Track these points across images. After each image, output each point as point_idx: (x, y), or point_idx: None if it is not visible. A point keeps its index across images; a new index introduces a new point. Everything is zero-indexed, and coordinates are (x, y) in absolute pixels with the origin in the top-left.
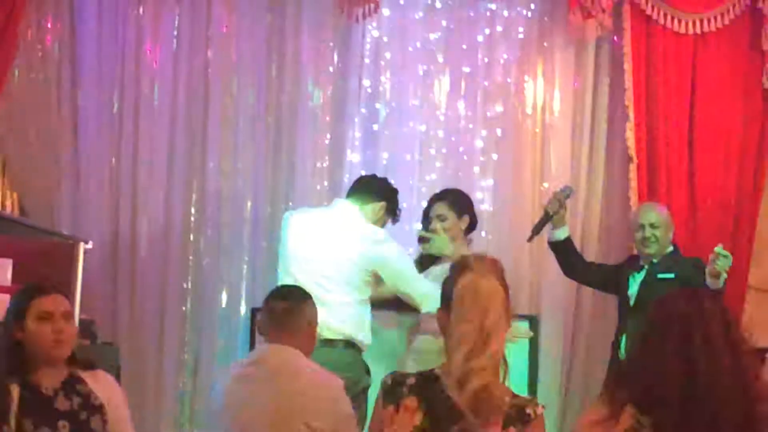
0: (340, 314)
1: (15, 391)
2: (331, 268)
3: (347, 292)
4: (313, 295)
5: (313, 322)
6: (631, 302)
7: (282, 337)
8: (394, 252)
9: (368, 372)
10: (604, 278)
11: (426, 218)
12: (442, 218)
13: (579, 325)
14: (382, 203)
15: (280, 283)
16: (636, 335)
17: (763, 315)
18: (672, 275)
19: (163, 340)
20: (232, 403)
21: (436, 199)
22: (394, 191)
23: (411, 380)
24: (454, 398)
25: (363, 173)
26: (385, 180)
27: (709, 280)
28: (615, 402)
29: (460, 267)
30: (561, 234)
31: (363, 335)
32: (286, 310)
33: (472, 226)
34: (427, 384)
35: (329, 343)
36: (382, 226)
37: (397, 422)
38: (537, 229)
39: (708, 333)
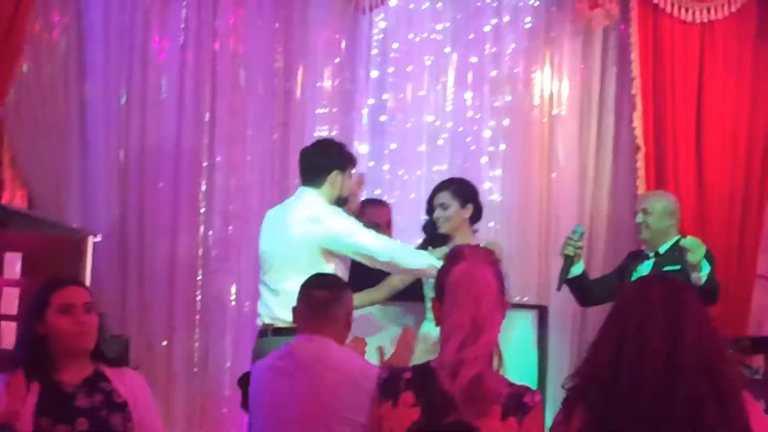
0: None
1: (35, 389)
2: (281, 257)
3: (298, 280)
4: (266, 287)
5: (350, 311)
6: None
7: (319, 326)
8: (336, 223)
9: None
10: (612, 287)
11: (430, 207)
12: (444, 207)
13: (587, 315)
14: (334, 172)
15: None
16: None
17: None
18: (678, 267)
19: (173, 332)
20: (267, 397)
21: (439, 188)
22: (333, 148)
23: (407, 375)
24: (448, 388)
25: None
26: (320, 147)
27: (692, 276)
28: (567, 404)
29: (453, 257)
30: (577, 269)
31: None
32: (325, 298)
33: (476, 215)
34: (422, 378)
35: (280, 332)
36: (349, 188)
37: (395, 418)
38: (564, 276)
39: (643, 322)
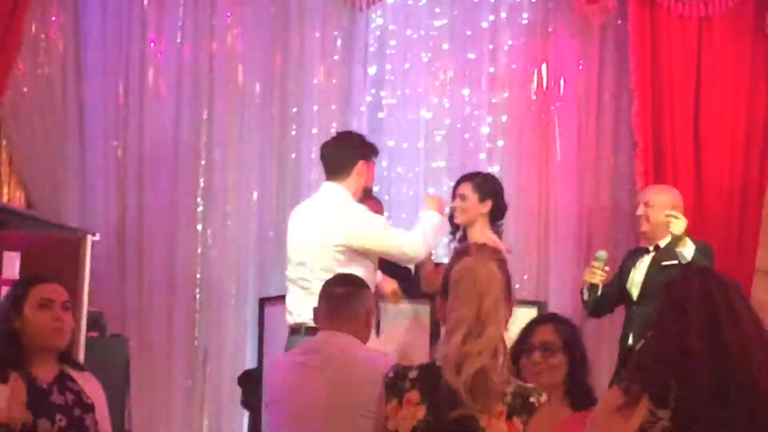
0: None
1: (17, 380)
2: (310, 256)
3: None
4: (297, 285)
5: (371, 310)
6: (636, 292)
7: (338, 322)
8: (359, 224)
9: None
10: (618, 291)
11: (453, 195)
12: (463, 197)
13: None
14: (358, 164)
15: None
16: (649, 324)
17: None
18: (676, 261)
19: (172, 332)
20: (287, 392)
21: (464, 178)
22: (356, 139)
23: (413, 373)
24: (453, 384)
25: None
26: (342, 140)
27: (676, 251)
28: (630, 393)
29: (459, 254)
30: (598, 291)
31: None
32: (344, 295)
33: (497, 212)
34: (428, 376)
35: (313, 330)
36: (373, 179)
37: (401, 417)
38: (591, 304)
39: (733, 307)
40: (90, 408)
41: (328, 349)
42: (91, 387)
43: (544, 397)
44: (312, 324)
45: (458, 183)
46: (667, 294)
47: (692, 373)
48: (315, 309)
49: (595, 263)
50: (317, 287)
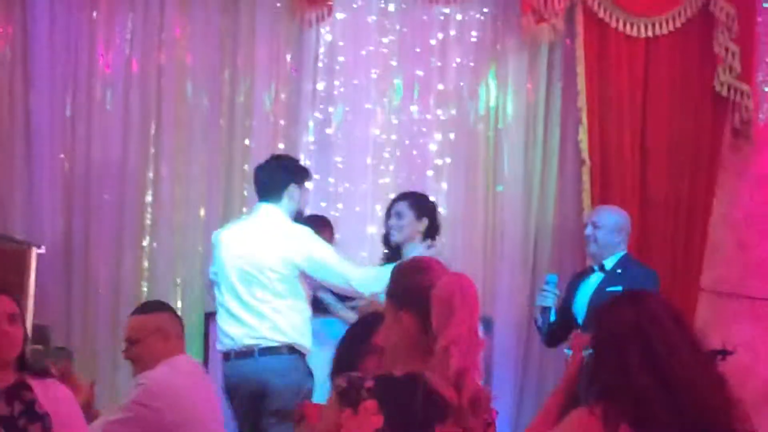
0: (279, 321)
1: None
2: (263, 277)
3: (282, 298)
4: (252, 308)
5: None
6: (580, 316)
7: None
8: (312, 246)
9: (311, 375)
10: (564, 314)
11: (388, 215)
12: (399, 216)
13: (533, 327)
14: (291, 186)
15: (219, 302)
16: (593, 352)
17: (716, 317)
18: (620, 287)
19: (117, 345)
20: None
21: (398, 198)
22: (289, 163)
23: (369, 383)
24: (452, 400)
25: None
26: (275, 163)
27: None
28: (609, 421)
29: (421, 268)
30: (552, 316)
31: (304, 339)
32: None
33: (432, 230)
34: (388, 388)
35: (271, 350)
36: (306, 202)
37: (356, 425)
38: (545, 328)
39: (666, 339)
40: (40, 417)
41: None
42: (51, 394)
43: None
44: (267, 345)
45: (393, 202)
46: (598, 325)
47: (651, 409)
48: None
49: (546, 286)
50: (266, 309)
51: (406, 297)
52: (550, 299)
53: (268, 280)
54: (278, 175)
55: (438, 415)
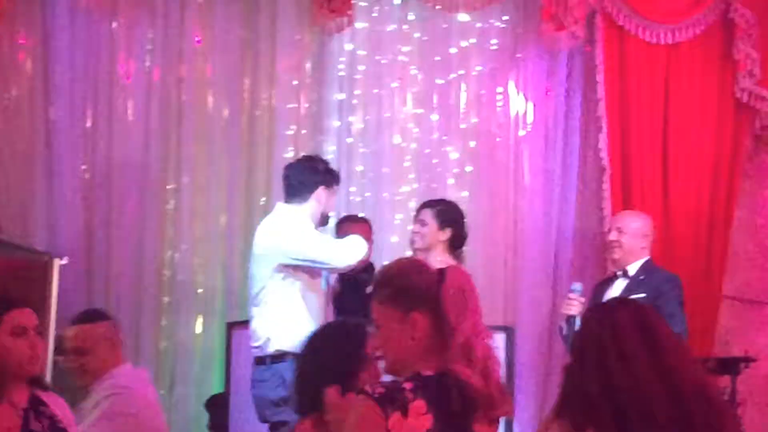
0: (276, 326)
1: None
2: (259, 278)
3: (275, 299)
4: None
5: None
6: None
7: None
8: (291, 233)
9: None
10: None
11: (415, 221)
12: (422, 223)
13: (555, 336)
14: (319, 188)
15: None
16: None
17: (738, 324)
18: (644, 294)
19: (139, 356)
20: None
21: (424, 204)
22: (320, 164)
23: (407, 384)
24: (482, 390)
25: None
26: (306, 163)
27: None
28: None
29: (419, 267)
30: (576, 323)
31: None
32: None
33: (456, 240)
34: (427, 387)
35: (276, 359)
36: (333, 206)
37: (408, 427)
38: (569, 335)
39: (623, 349)
40: None
41: None
42: (62, 409)
43: None
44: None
45: (419, 209)
46: (574, 337)
47: (598, 416)
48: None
49: (571, 295)
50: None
51: (416, 297)
52: (575, 308)
53: (264, 283)
54: (307, 176)
55: (472, 406)
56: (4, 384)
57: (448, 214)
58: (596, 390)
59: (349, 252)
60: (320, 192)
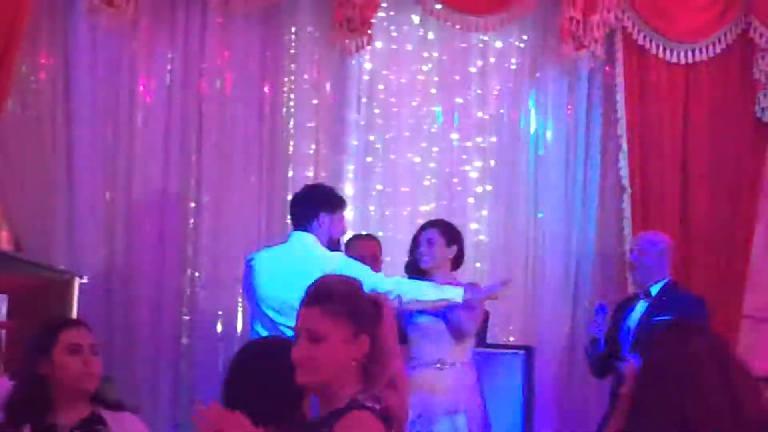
0: None
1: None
2: (286, 303)
3: None
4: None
5: None
6: (626, 346)
7: None
8: (335, 260)
9: None
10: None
11: (415, 244)
12: (431, 242)
13: (575, 356)
14: (321, 215)
15: (256, 325)
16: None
17: (759, 343)
18: (668, 317)
19: (159, 374)
20: None
21: (428, 225)
22: (320, 192)
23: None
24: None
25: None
26: (306, 193)
27: None
28: None
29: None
30: (601, 346)
31: None
32: None
33: (458, 259)
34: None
35: None
36: (342, 230)
37: None
38: (595, 358)
39: (699, 380)
40: None
41: None
42: (126, 427)
43: None
44: None
45: (422, 230)
46: (646, 358)
47: None
48: None
49: (596, 316)
50: None
51: (366, 320)
52: (600, 329)
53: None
54: (309, 204)
55: None
56: (54, 401)
57: (452, 232)
58: (665, 418)
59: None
60: (323, 218)
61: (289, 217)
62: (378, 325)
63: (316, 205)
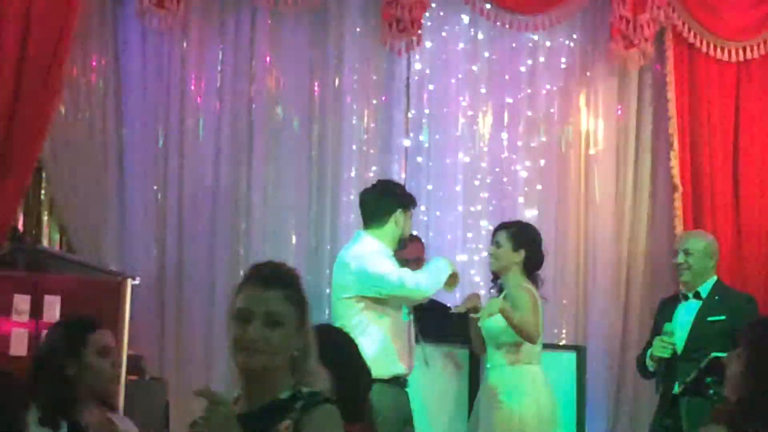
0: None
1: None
2: (346, 305)
3: (364, 326)
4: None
5: None
6: (680, 345)
7: None
8: (371, 264)
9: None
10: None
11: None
12: (498, 245)
13: (626, 356)
14: (397, 212)
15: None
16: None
17: None
18: (723, 317)
19: (211, 375)
20: None
21: (501, 226)
22: (396, 188)
23: None
24: None
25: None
26: (382, 188)
27: None
28: None
29: None
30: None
31: (394, 366)
32: None
33: (532, 262)
34: None
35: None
36: (408, 230)
37: None
38: (657, 376)
39: None
40: None
41: None
42: (130, 428)
43: None
44: None
45: (495, 230)
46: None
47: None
48: None
49: (665, 338)
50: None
51: (307, 315)
52: (668, 351)
53: (352, 312)
54: (385, 200)
55: None
56: (79, 402)
57: (523, 236)
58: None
59: (431, 284)
60: (398, 215)
61: (343, 217)
62: (308, 321)
63: (392, 201)
